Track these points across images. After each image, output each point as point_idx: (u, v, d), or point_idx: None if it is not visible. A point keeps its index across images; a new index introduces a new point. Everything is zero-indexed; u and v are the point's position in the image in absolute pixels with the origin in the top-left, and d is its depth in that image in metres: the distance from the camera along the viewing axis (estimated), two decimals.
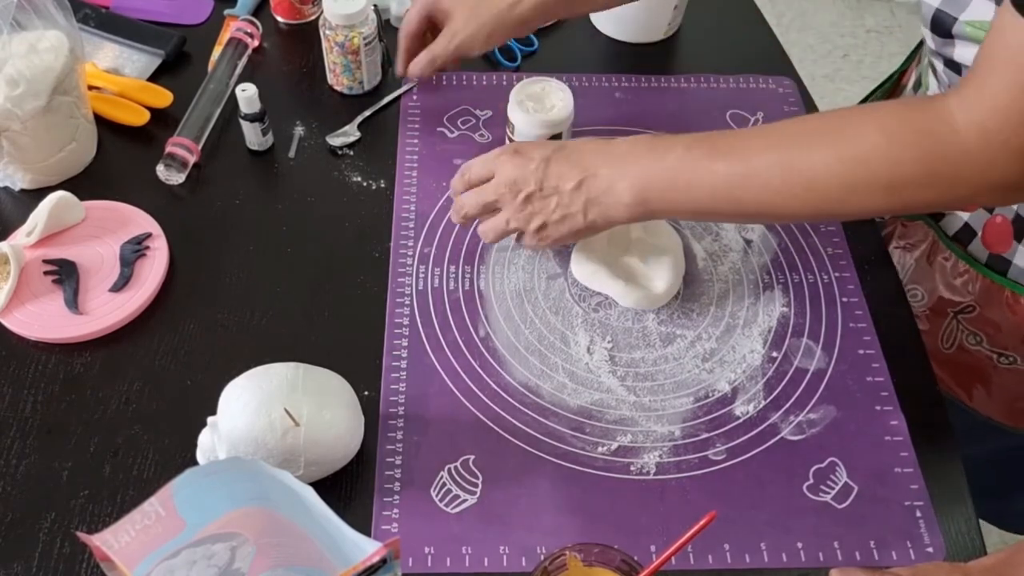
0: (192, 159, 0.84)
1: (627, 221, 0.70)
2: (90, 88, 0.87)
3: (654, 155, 0.68)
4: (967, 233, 0.78)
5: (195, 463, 0.66)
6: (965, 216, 0.78)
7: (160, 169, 0.83)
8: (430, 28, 0.87)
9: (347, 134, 0.89)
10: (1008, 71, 0.56)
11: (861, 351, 0.76)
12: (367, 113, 0.90)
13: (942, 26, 0.70)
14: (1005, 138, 0.57)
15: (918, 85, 0.86)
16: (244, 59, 0.94)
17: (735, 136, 0.69)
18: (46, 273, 0.76)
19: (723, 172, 0.66)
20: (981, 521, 0.69)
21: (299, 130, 0.90)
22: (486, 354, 0.74)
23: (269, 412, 0.61)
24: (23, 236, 0.78)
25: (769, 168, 0.64)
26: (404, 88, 0.88)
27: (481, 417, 0.70)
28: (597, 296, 0.78)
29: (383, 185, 0.86)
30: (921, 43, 0.91)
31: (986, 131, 0.58)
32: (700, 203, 0.67)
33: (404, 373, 0.72)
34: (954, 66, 0.72)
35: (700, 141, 0.68)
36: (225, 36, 0.95)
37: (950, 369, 0.86)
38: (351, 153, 0.88)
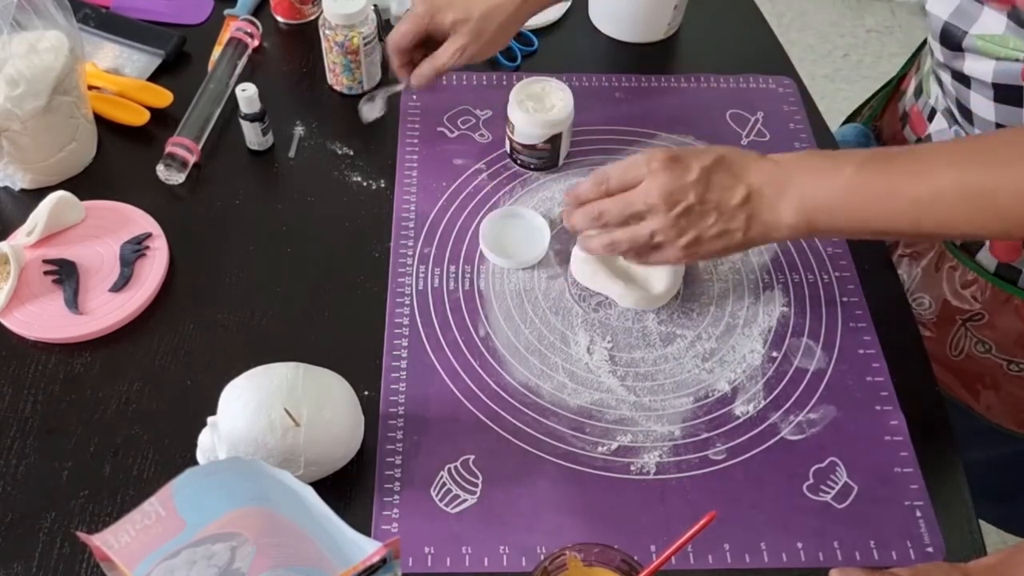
0: (192, 159, 0.84)
1: (787, 239, 0.67)
2: (90, 88, 0.87)
3: (822, 174, 0.64)
4: (975, 242, 0.78)
5: (195, 463, 0.66)
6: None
7: (160, 169, 0.83)
8: (423, 42, 0.84)
9: (374, 101, 0.88)
10: None
11: (861, 351, 0.76)
12: (398, 88, 0.87)
13: (951, 39, 0.69)
14: None
15: (919, 92, 0.85)
16: (244, 59, 0.94)
17: (912, 156, 0.64)
18: (46, 273, 0.76)
19: (902, 196, 0.61)
20: (981, 521, 0.69)
21: (299, 130, 0.90)
22: (486, 354, 0.74)
23: (269, 412, 0.61)
24: (23, 236, 0.78)
25: (953, 190, 0.60)
26: (399, 87, 0.87)
27: (481, 417, 0.70)
28: (597, 296, 0.78)
29: (383, 185, 0.86)
30: (920, 47, 0.91)
31: None
32: (873, 225, 0.64)
33: (404, 373, 0.72)
34: (963, 79, 0.71)
35: (873, 161, 0.63)
36: (225, 36, 0.95)
37: (958, 375, 0.85)
38: (351, 153, 0.88)
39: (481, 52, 0.82)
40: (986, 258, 0.78)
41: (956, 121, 0.78)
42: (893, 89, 0.95)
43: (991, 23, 0.66)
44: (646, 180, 0.66)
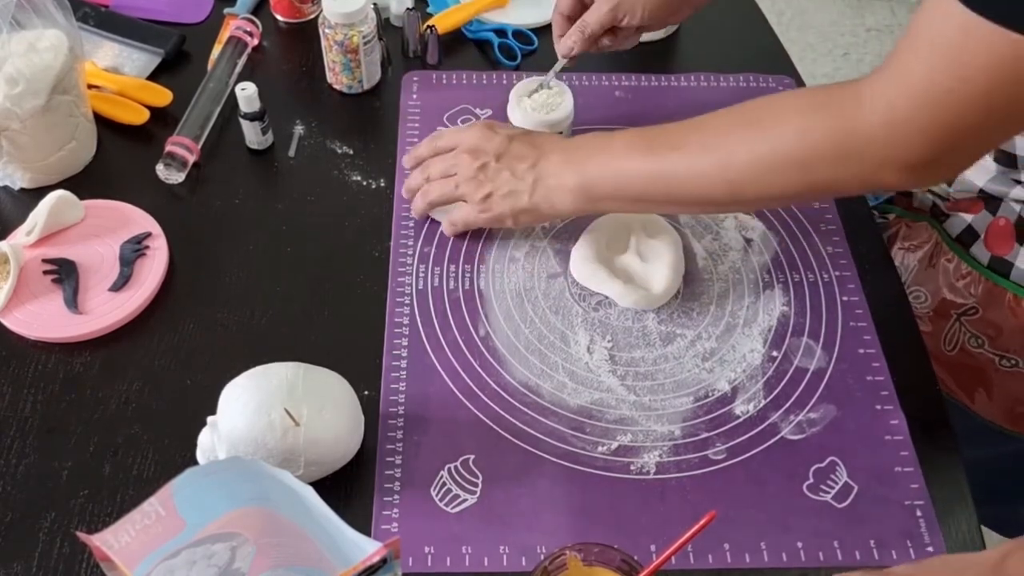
0: (192, 158, 0.84)
1: (571, 210, 0.74)
2: (90, 87, 0.87)
3: (600, 147, 0.72)
4: (970, 235, 0.78)
5: (195, 463, 0.66)
6: (968, 218, 0.78)
7: (160, 168, 0.83)
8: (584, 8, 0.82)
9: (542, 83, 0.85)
10: (923, 50, 0.56)
11: (861, 350, 0.76)
12: (559, 66, 0.84)
13: None
14: (909, 115, 0.57)
15: None
16: (244, 58, 0.94)
17: (673, 128, 0.71)
18: (46, 272, 0.76)
19: (656, 163, 0.69)
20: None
21: (299, 129, 0.90)
22: (486, 353, 0.74)
23: (269, 412, 0.61)
24: (23, 235, 0.78)
25: (697, 156, 0.67)
26: (559, 66, 0.84)
27: (481, 417, 0.70)
28: (597, 295, 0.78)
29: (383, 184, 0.85)
30: None
31: (893, 108, 0.58)
32: (636, 192, 0.71)
33: (404, 373, 0.72)
34: None
35: (641, 134, 0.71)
36: (225, 35, 0.95)
37: (952, 372, 0.86)
38: (351, 152, 0.88)
39: (634, 5, 0.78)
40: (980, 251, 0.78)
41: None
42: None
43: None
44: (461, 140, 0.76)
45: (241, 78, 0.90)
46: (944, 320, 0.83)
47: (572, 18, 0.82)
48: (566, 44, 0.81)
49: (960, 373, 0.85)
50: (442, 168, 0.77)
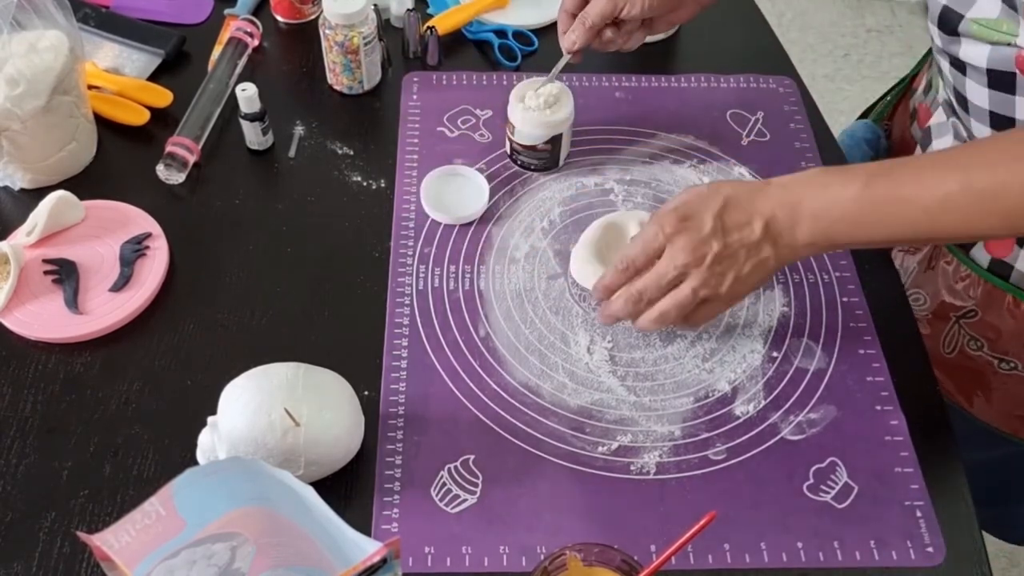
0: (192, 159, 0.84)
1: (811, 255, 0.75)
2: (90, 88, 0.87)
3: (831, 192, 0.64)
4: None
5: (195, 463, 0.66)
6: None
7: (160, 169, 0.83)
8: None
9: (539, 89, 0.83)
10: None
11: (861, 351, 0.76)
12: (563, 62, 0.82)
13: (949, 23, 0.69)
14: None
15: (929, 88, 0.86)
16: (244, 59, 0.94)
17: (917, 165, 0.66)
18: (46, 273, 0.76)
19: (912, 204, 0.63)
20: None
21: (299, 130, 0.90)
22: (486, 354, 0.74)
23: (269, 412, 0.61)
24: (23, 236, 0.78)
25: (961, 194, 0.62)
26: (563, 62, 0.81)
27: (481, 417, 0.70)
28: None
29: (383, 185, 0.85)
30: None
31: None
32: (887, 235, 0.66)
33: (404, 373, 0.72)
34: (959, 65, 0.72)
35: (880, 174, 0.64)
36: (225, 35, 0.95)
37: (951, 375, 0.85)
38: (351, 153, 0.88)
39: (637, 1, 0.76)
40: (980, 254, 0.78)
41: (954, 112, 0.78)
42: (905, 87, 0.95)
43: (987, 6, 0.66)
44: (667, 249, 0.67)
45: (241, 79, 0.90)
46: (943, 323, 0.83)
47: (576, 15, 0.80)
48: (569, 39, 0.80)
49: (959, 376, 0.85)
50: (658, 284, 0.68)
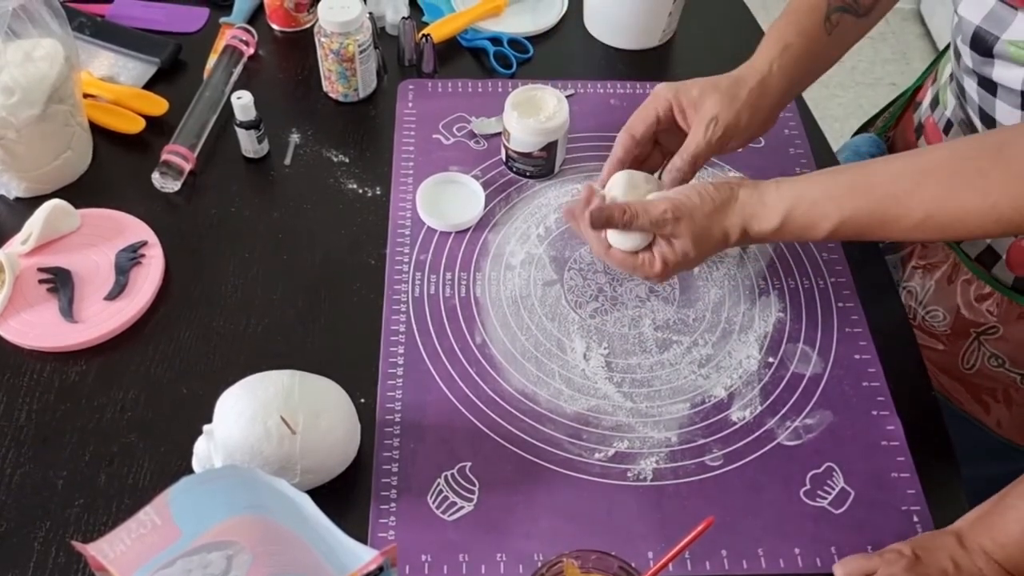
0: (188, 167, 0.84)
1: (776, 233, 0.66)
2: (85, 96, 0.87)
3: (799, 177, 0.65)
4: (990, 256, 0.78)
5: (191, 471, 0.66)
6: (988, 239, 0.77)
7: (156, 177, 0.83)
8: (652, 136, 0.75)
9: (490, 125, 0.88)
10: None
11: (857, 356, 0.76)
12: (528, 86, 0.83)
13: (983, 44, 0.69)
14: None
15: (935, 103, 0.85)
16: (239, 67, 0.94)
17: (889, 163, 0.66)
18: (41, 281, 0.76)
19: (883, 181, 0.63)
20: None
21: (295, 137, 0.90)
22: (482, 361, 0.74)
23: (265, 420, 0.61)
24: (18, 244, 0.77)
25: (945, 164, 0.61)
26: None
27: (478, 424, 0.70)
28: (593, 303, 0.78)
29: (379, 192, 0.86)
30: (936, 60, 0.90)
31: None
32: (864, 212, 0.63)
33: (400, 380, 0.72)
34: (990, 86, 0.71)
35: (850, 165, 0.65)
36: (221, 44, 0.95)
37: (969, 388, 0.85)
38: (347, 160, 0.88)
39: (738, 125, 0.71)
40: (1002, 272, 0.77)
41: (975, 131, 0.77)
42: (908, 100, 0.94)
43: (1023, 28, 0.66)
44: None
45: (237, 87, 0.90)
46: (962, 339, 0.82)
47: (640, 144, 0.75)
48: (671, 179, 0.73)
49: (977, 390, 0.84)
50: (650, 223, 0.66)
